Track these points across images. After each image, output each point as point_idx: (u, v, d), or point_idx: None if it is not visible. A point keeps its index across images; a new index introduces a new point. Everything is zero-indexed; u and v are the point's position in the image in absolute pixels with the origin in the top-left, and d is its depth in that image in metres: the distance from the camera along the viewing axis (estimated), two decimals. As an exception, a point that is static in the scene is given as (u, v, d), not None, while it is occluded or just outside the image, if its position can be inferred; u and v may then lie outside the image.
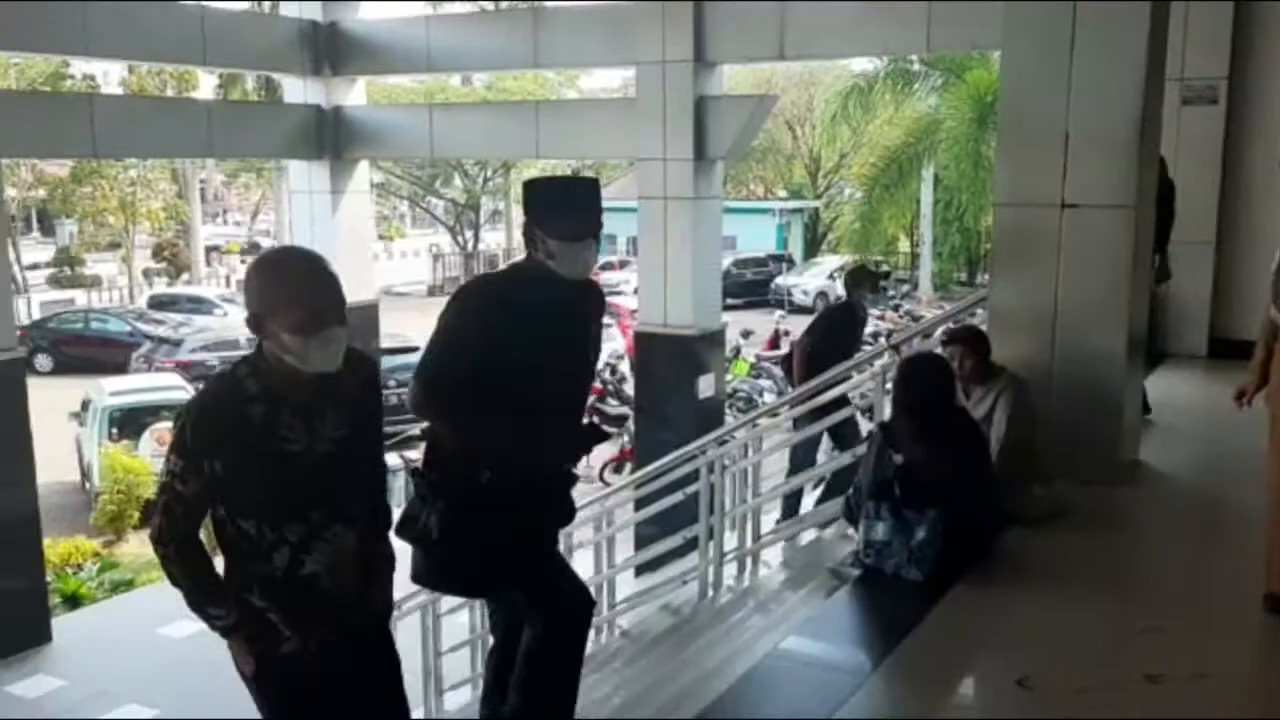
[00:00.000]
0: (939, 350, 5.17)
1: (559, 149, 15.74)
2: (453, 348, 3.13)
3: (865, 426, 6.75)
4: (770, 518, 6.92)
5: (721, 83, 11.63)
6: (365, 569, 2.81)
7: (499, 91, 30.00)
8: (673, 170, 11.03)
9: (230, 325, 23.48)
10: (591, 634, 6.95)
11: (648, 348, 11.61)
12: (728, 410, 14.23)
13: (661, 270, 11.11)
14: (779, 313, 24.01)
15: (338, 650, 2.80)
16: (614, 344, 21.02)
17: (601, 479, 15.52)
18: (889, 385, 5.53)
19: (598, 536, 6.94)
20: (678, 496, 6.54)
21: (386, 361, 15.51)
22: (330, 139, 14.31)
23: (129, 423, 15.41)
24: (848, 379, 6.41)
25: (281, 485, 2.64)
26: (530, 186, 3.26)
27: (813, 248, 36.38)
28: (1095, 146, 4.93)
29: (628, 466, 14.24)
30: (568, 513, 3.55)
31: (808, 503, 7.46)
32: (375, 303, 15.49)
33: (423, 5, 25.10)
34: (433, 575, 3.28)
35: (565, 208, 3.19)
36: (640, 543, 7.74)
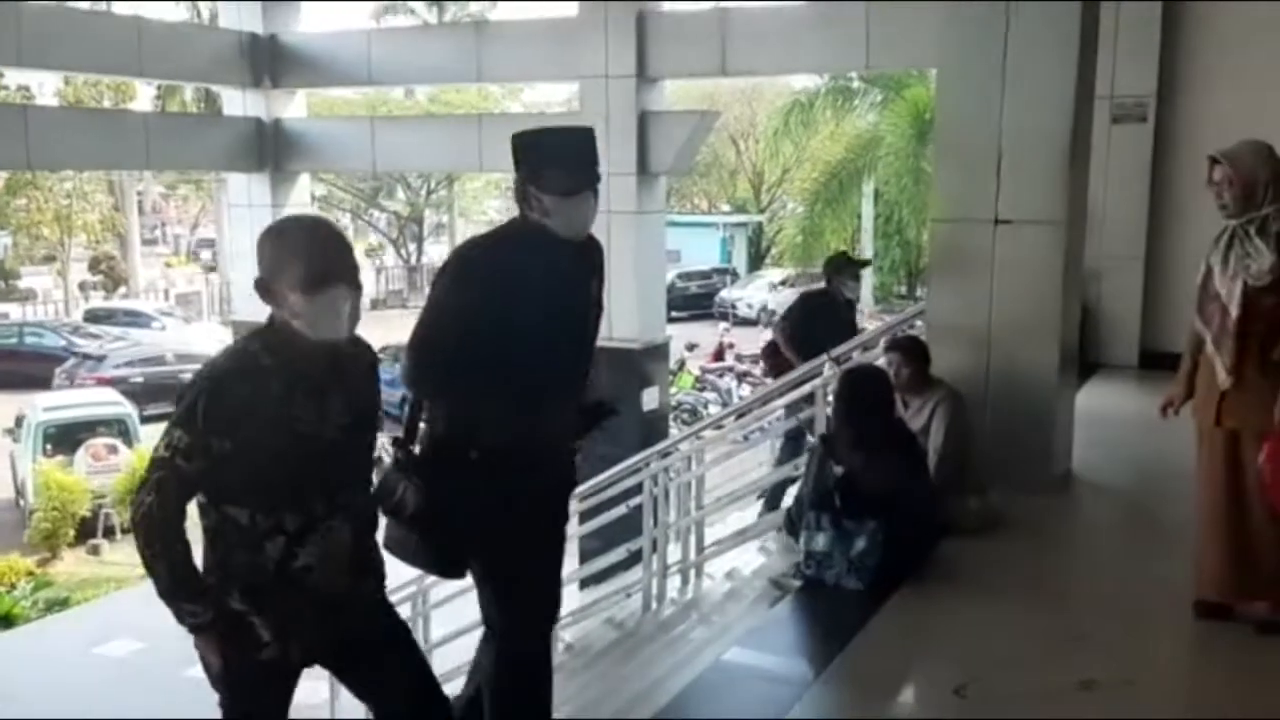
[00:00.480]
0: (881, 360, 5.25)
1: (502, 162, 15.69)
2: (445, 319, 2.96)
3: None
4: (712, 531, 6.94)
5: (664, 98, 11.72)
6: (358, 567, 2.68)
7: (442, 104, 29.86)
8: (616, 184, 11.06)
9: (159, 341, 23.07)
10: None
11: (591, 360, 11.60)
12: (672, 423, 14.26)
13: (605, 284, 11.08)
14: (723, 325, 24.16)
15: (322, 653, 2.69)
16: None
17: (546, 493, 15.42)
18: (830, 398, 5.59)
19: (541, 550, 6.92)
20: (621, 510, 6.56)
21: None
22: (270, 152, 14.18)
23: (64, 439, 15.13)
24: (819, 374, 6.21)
25: (288, 470, 2.49)
26: (520, 139, 3.02)
27: (756, 261, 36.59)
28: (1028, 164, 5.04)
29: (572, 480, 14.21)
30: (565, 485, 3.33)
31: (750, 516, 7.49)
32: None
33: (364, 18, 24.97)
34: (404, 549, 3.09)
35: (560, 159, 2.96)
36: (584, 557, 7.74)
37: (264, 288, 2.49)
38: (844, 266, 7.56)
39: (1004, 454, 5.08)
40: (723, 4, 11.25)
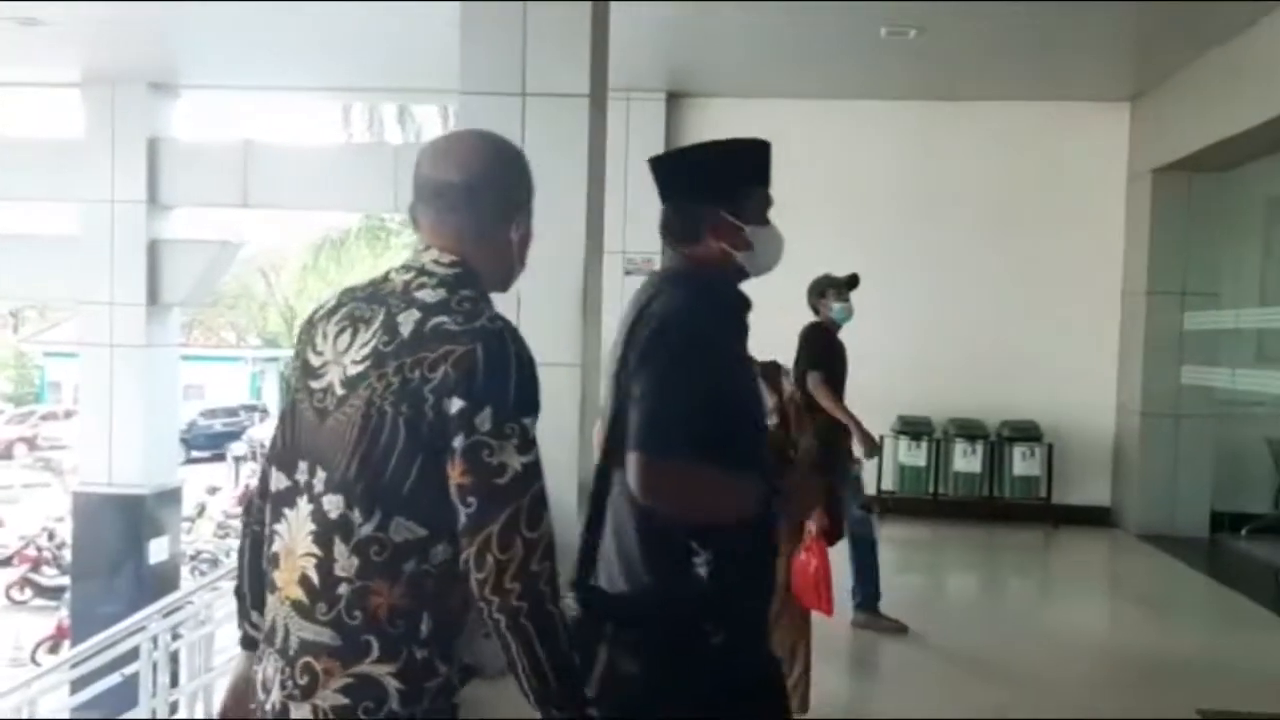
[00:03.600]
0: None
1: (-8, 289, 14.17)
2: (698, 394, 2.08)
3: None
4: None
5: (178, 226, 11.11)
6: None
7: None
8: (120, 315, 10.28)
9: None
10: None
11: (87, 510, 10.48)
12: (190, 574, 13.24)
13: (106, 424, 10.17)
14: (251, 465, 22.95)
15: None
16: (53, 507, 18.94)
17: (34, 660, 13.77)
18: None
19: (19, 731, 6.05)
20: (115, 678, 5.89)
21: None
22: None
23: None
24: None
25: None
26: (705, 152, 2.28)
27: (293, 398, 35.39)
28: (545, 312, 5.30)
29: (66, 645, 12.72)
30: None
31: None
32: None
33: None
34: None
35: (763, 176, 2.24)
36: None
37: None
38: (826, 287, 6.04)
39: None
40: (247, 137, 11.06)
